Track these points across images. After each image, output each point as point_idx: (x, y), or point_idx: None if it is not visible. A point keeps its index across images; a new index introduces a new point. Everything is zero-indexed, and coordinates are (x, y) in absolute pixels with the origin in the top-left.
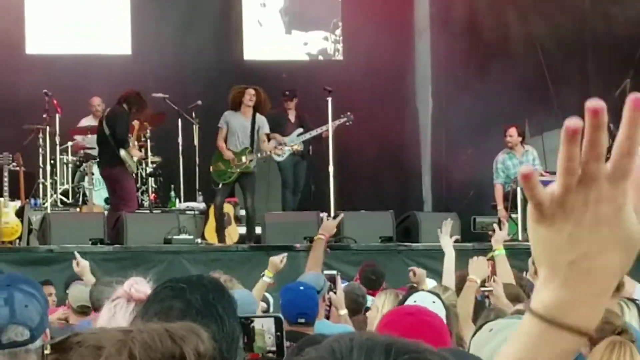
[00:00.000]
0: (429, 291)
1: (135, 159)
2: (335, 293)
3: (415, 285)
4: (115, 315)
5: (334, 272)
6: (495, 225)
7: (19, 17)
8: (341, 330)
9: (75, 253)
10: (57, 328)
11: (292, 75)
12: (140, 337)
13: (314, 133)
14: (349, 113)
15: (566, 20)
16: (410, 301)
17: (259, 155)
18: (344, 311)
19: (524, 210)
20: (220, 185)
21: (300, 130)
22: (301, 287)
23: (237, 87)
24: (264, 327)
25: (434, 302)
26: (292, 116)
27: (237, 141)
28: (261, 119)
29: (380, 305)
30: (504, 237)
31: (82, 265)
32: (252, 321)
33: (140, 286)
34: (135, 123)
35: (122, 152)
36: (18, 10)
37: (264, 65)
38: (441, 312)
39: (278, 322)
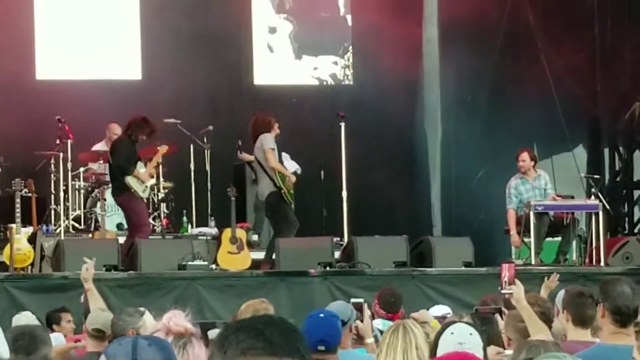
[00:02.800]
0: (467, 322)
1: (148, 183)
2: (362, 321)
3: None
4: None
5: (361, 300)
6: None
7: (29, 43)
8: (367, 359)
9: (86, 259)
10: (76, 356)
11: (302, 100)
12: None
13: None
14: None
15: (575, 43)
16: (447, 333)
17: None
18: (370, 339)
19: (537, 234)
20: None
21: None
22: (321, 315)
23: (267, 113)
24: None
25: (471, 334)
26: None
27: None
28: None
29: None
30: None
31: (90, 271)
32: None
33: (178, 319)
34: (163, 148)
35: (127, 179)
36: (28, 36)
37: (274, 90)
38: (479, 344)
39: None
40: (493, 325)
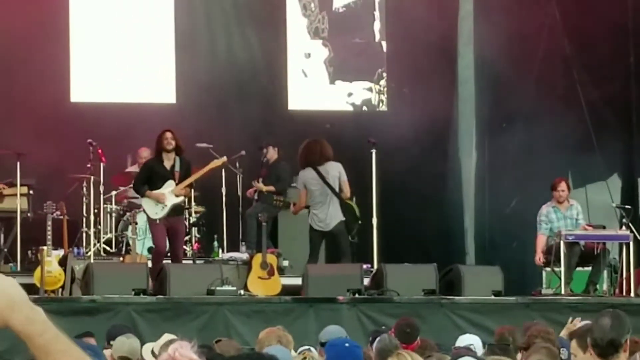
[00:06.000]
0: (478, 358)
1: (169, 202)
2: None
3: None
4: None
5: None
6: None
7: (64, 65)
8: None
9: None
10: None
11: (335, 125)
12: None
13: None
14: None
15: (611, 73)
16: None
17: None
18: None
19: (568, 264)
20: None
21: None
22: (346, 344)
23: (319, 143)
24: None
25: None
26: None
27: None
28: None
29: None
30: None
31: None
32: None
33: (184, 350)
34: (220, 160)
35: (142, 200)
36: (64, 58)
37: (308, 116)
38: None
39: None
40: (510, 356)
